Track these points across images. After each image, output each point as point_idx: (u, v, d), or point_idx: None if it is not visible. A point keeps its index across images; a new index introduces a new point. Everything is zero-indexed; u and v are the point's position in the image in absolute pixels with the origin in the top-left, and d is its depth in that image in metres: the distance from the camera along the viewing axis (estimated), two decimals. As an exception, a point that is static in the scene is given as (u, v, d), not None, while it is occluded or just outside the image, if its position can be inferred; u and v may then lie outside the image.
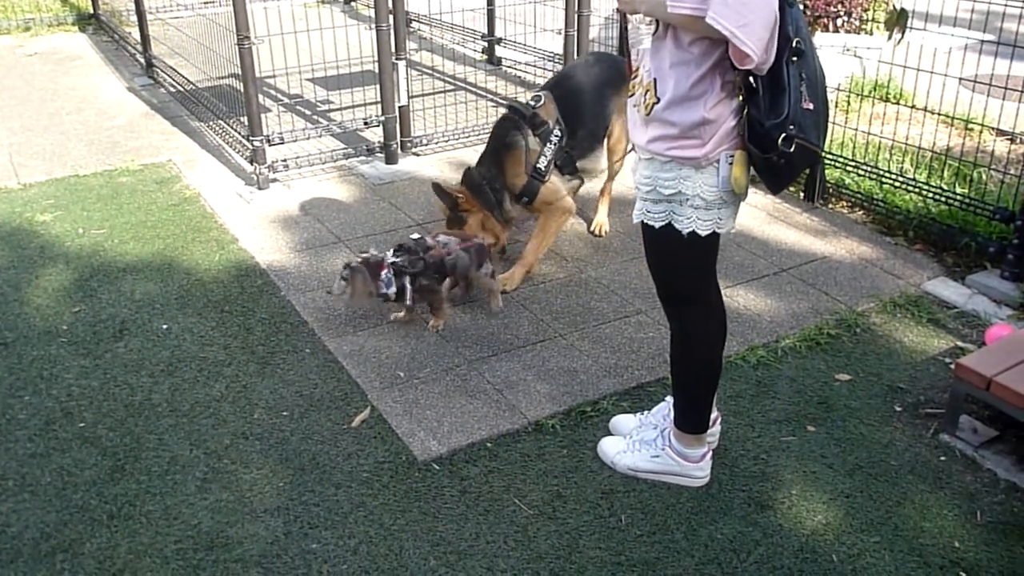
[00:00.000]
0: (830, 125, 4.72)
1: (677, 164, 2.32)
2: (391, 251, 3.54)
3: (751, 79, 2.20)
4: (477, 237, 3.72)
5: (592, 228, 4.42)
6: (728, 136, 2.28)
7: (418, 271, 3.49)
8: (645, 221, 2.45)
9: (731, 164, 2.30)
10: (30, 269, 4.06)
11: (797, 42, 2.17)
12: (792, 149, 2.21)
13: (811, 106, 2.22)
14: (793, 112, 2.19)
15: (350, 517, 2.62)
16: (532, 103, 3.90)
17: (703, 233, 2.38)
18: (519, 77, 6.86)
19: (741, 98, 2.25)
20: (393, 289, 3.47)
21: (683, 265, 2.50)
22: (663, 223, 2.41)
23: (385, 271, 3.46)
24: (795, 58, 2.18)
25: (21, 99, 6.57)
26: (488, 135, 4.05)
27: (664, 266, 2.55)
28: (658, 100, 2.28)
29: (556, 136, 3.85)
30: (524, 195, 3.88)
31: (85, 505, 2.67)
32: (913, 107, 4.91)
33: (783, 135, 2.20)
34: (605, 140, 4.11)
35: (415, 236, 3.61)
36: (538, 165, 3.84)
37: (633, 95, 2.42)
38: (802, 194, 2.65)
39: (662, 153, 2.33)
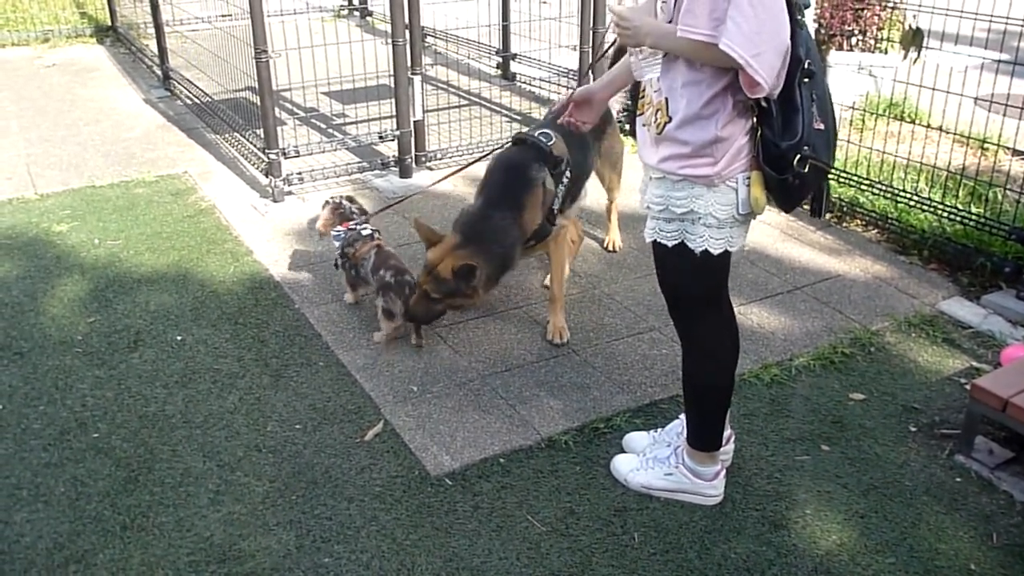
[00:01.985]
0: (843, 143, 4.77)
1: (689, 183, 2.33)
2: (367, 225, 3.78)
3: (764, 100, 2.22)
4: (398, 273, 3.52)
5: (606, 244, 4.39)
6: (740, 154, 2.29)
7: (344, 252, 3.74)
8: (658, 240, 2.45)
9: (748, 185, 2.31)
10: (46, 279, 4.09)
11: (808, 63, 2.19)
12: (806, 169, 2.23)
13: (822, 126, 2.24)
14: (807, 133, 2.20)
15: (362, 531, 2.62)
16: (543, 140, 3.47)
17: (715, 252, 2.38)
18: (533, 93, 6.89)
19: (755, 118, 2.26)
20: (336, 244, 3.76)
21: (694, 283, 2.50)
22: (675, 242, 2.41)
23: (344, 228, 3.76)
24: (807, 79, 2.20)
25: (39, 110, 6.62)
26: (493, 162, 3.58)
27: (675, 284, 2.55)
28: (670, 119, 2.29)
29: (567, 179, 3.51)
30: (533, 239, 3.49)
31: (99, 516, 2.68)
32: (928, 126, 4.90)
33: (798, 156, 2.21)
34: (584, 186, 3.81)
35: (369, 232, 3.74)
36: (553, 207, 3.47)
37: (642, 114, 2.43)
38: (809, 209, 2.65)
39: (674, 172, 2.34)
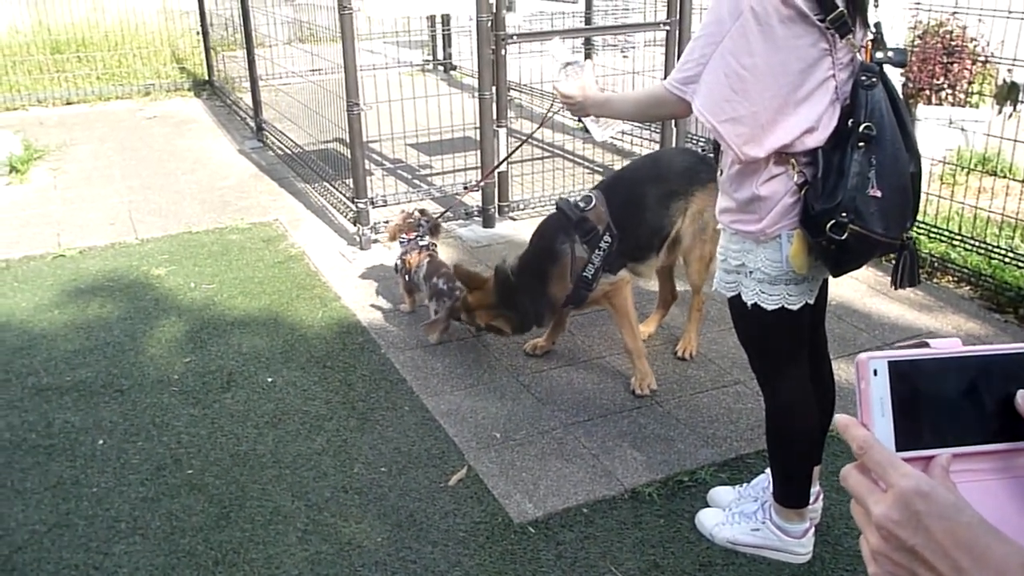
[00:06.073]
0: (934, 198, 4.69)
1: (740, 237, 2.35)
2: (426, 237, 4.20)
3: (818, 159, 2.17)
4: (449, 281, 3.91)
5: (677, 349, 3.92)
6: (787, 212, 2.25)
7: (402, 259, 4.19)
8: (718, 289, 2.48)
9: (791, 242, 2.28)
10: (145, 320, 4.26)
11: (866, 127, 2.11)
12: (844, 237, 2.14)
13: (879, 193, 2.13)
14: (847, 199, 2.12)
15: (446, 576, 2.64)
16: (582, 204, 3.50)
17: (768, 307, 2.35)
18: (613, 145, 6.94)
19: (796, 177, 2.21)
20: (399, 251, 4.24)
21: (760, 338, 2.49)
22: (733, 293, 2.43)
23: (409, 236, 4.20)
24: (861, 144, 2.12)
25: (140, 159, 6.95)
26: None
27: (743, 336, 2.55)
28: (721, 172, 2.36)
29: (606, 243, 3.45)
30: (569, 304, 3.59)
31: (192, 550, 2.75)
32: (1023, 182, 4.79)
33: (832, 221, 2.14)
34: (663, 248, 3.64)
35: (426, 243, 4.18)
36: (585, 274, 3.47)
37: None
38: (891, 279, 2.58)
39: (728, 225, 2.38)
